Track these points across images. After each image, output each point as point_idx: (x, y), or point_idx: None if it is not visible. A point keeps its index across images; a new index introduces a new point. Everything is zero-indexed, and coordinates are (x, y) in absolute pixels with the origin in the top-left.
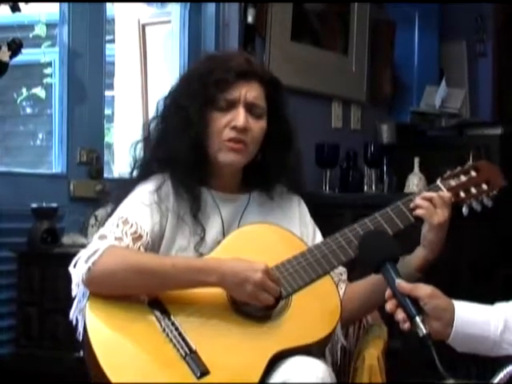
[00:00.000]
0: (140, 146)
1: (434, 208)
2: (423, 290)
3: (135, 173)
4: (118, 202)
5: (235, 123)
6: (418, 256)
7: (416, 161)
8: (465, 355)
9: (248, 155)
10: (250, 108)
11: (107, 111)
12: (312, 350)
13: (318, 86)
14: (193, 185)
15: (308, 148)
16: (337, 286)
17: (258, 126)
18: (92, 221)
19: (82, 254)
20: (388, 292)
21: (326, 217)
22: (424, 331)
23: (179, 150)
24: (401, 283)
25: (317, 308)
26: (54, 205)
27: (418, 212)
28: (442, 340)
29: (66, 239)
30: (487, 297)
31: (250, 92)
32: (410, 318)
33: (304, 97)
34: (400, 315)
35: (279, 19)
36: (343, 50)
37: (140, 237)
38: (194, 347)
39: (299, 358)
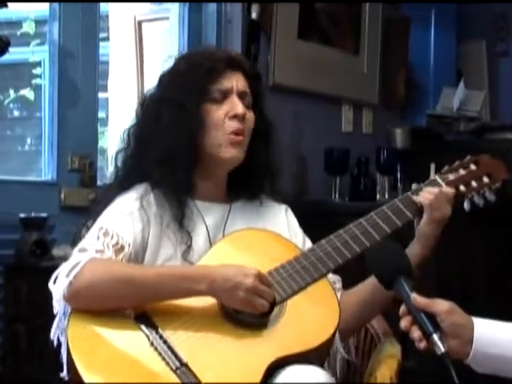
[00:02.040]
0: (121, 155)
1: (437, 203)
2: (440, 306)
3: (116, 184)
4: (98, 213)
5: (235, 111)
6: (413, 253)
7: (432, 167)
8: (485, 377)
9: (245, 148)
10: (242, 97)
11: (101, 114)
12: (311, 359)
13: (327, 87)
14: (182, 189)
15: (316, 153)
16: (334, 292)
17: (251, 116)
18: (84, 232)
19: (63, 269)
20: (402, 308)
21: (335, 227)
22: (442, 349)
23: (174, 146)
24: (416, 298)
25: (314, 312)
26: (44, 214)
27: (423, 201)
28: (461, 360)
29: (57, 251)
30: (504, 307)
31: (240, 81)
32: (426, 335)
33: (312, 99)
34: (416, 333)
35: (285, 15)
36: (354, 48)
37: (122, 248)
38: (184, 360)
39: (298, 366)
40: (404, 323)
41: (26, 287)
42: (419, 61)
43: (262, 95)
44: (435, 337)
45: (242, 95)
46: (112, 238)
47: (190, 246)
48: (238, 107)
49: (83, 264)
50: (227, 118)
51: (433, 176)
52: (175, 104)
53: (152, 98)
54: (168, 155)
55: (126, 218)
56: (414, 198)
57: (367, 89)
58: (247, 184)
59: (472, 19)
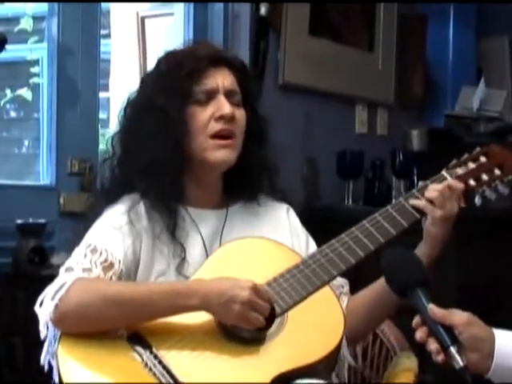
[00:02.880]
0: (106, 165)
1: (443, 200)
2: (458, 317)
3: (103, 195)
4: (85, 228)
5: (221, 112)
6: (422, 254)
7: None
8: None
9: (237, 149)
10: (229, 96)
11: (102, 115)
12: (318, 370)
13: (340, 86)
14: (171, 196)
15: (329, 156)
16: (338, 300)
17: (241, 115)
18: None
19: (48, 291)
20: (417, 319)
21: None
22: (460, 363)
23: (159, 155)
24: (433, 309)
25: (317, 323)
26: (42, 220)
27: (419, 204)
28: (481, 374)
29: (56, 259)
30: None
31: (226, 79)
32: (443, 348)
33: (324, 98)
34: (432, 345)
35: (296, 11)
36: (368, 45)
37: (111, 265)
38: (180, 379)
39: (304, 380)
40: (419, 334)
41: (24, 297)
42: (437, 58)
43: (252, 90)
44: (453, 350)
45: (229, 94)
46: (100, 254)
47: (184, 259)
48: (225, 107)
49: (69, 285)
50: (213, 120)
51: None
52: (157, 109)
53: (133, 102)
54: (153, 164)
55: (116, 233)
56: (419, 196)
57: (382, 88)
58: (243, 186)
59: (493, 14)
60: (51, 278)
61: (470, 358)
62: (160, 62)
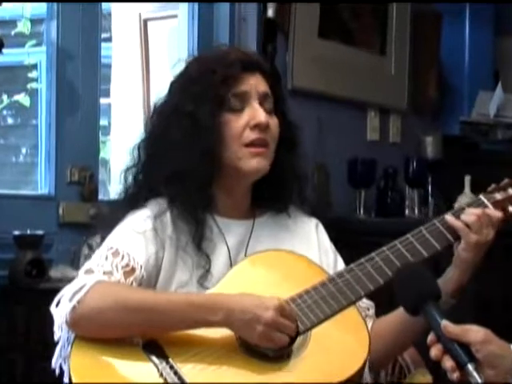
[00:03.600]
0: (131, 171)
1: (480, 226)
2: (474, 334)
3: (127, 200)
4: (107, 230)
5: (256, 121)
6: (450, 278)
7: (467, 179)
8: None
9: (270, 158)
10: (263, 102)
11: (103, 122)
12: None
13: (351, 91)
14: (199, 206)
15: (339, 164)
16: (364, 322)
17: (274, 122)
18: (85, 250)
19: (66, 292)
20: (431, 336)
21: (359, 246)
22: (479, 381)
23: (189, 163)
24: (447, 326)
25: (341, 343)
26: (40, 232)
27: (461, 223)
28: None
29: (55, 272)
30: None
31: (260, 84)
32: (459, 365)
33: (334, 104)
34: (448, 363)
35: (305, 12)
36: (380, 48)
37: (133, 270)
38: None
39: None
40: (434, 352)
41: (22, 311)
42: (452, 61)
43: (283, 97)
44: (470, 367)
45: (263, 99)
46: (122, 258)
47: (208, 271)
48: (260, 115)
49: (88, 287)
50: (248, 129)
51: (467, 190)
52: (188, 116)
53: (162, 109)
54: (182, 172)
55: (139, 237)
56: (454, 219)
57: (395, 92)
58: (273, 196)
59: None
60: (50, 291)
61: (488, 375)
62: (189, 66)
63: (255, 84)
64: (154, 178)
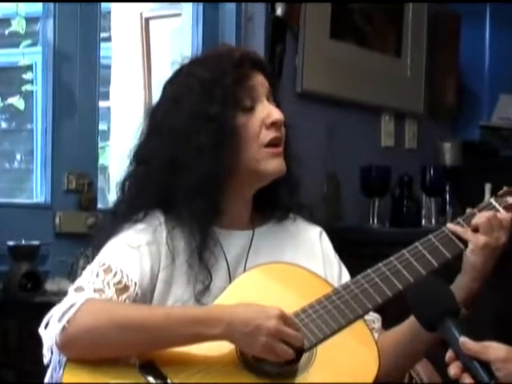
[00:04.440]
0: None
1: (490, 228)
2: (495, 352)
3: (121, 211)
4: (98, 244)
5: (273, 119)
6: (460, 286)
7: (487, 188)
8: None
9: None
10: (269, 99)
11: (102, 126)
12: None
13: (364, 94)
14: (208, 216)
15: (351, 172)
16: (373, 337)
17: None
18: (82, 262)
19: (55, 312)
20: (450, 353)
21: (373, 257)
22: None
23: (211, 169)
24: (466, 343)
25: (349, 359)
26: (36, 242)
27: (458, 231)
28: None
29: (51, 285)
30: None
31: (265, 83)
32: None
33: (346, 108)
34: (467, 380)
35: (316, 12)
36: (396, 50)
37: (126, 288)
38: None
39: None
40: (453, 370)
41: (15, 326)
42: (472, 63)
43: (279, 99)
44: None
45: (268, 97)
46: (115, 275)
47: (207, 287)
48: (275, 113)
49: (78, 306)
50: (264, 128)
51: (488, 199)
52: (207, 120)
53: (168, 114)
54: (203, 180)
55: (133, 253)
56: (464, 224)
57: (411, 96)
58: (275, 204)
59: None
60: (45, 305)
61: None
62: (194, 69)
63: (261, 82)
64: (163, 186)
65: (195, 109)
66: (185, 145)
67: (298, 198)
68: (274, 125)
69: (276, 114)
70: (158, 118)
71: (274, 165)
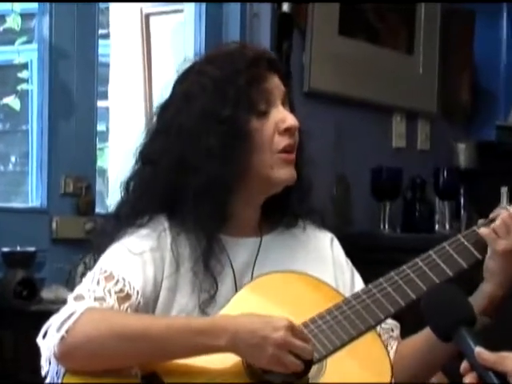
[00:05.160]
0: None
1: (506, 230)
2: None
3: (124, 215)
4: (100, 249)
5: (287, 125)
6: (482, 294)
7: (503, 191)
8: None
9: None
10: (284, 103)
11: (100, 127)
12: None
13: (375, 93)
14: (216, 222)
15: (361, 174)
16: (386, 346)
17: None
18: (81, 269)
19: (54, 321)
20: (465, 364)
21: (383, 263)
22: None
23: (222, 174)
24: (482, 353)
25: (360, 373)
26: (32, 248)
27: (484, 232)
28: None
29: (47, 293)
30: None
31: (280, 85)
32: None
33: (355, 107)
34: None
35: (324, 8)
36: (407, 47)
37: (128, 296)
38: None
39: None
40: (469, 381)
41: (11, 336)
42: (487, 61)
43: (292, 99)
44: None
45: (284, 100)
46: (116, 283)
47: (212, 296)
48: (289, 118)
49: (78, 315)
50: (277, 133)
51: (504, 202)
52: (219, 122)
53: (178, 112)
54: (212, 184)
55: (136, 259)
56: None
57: (423, 95)
58: (284, 210)
59: None
60: (41, 314)
61: None
62: (204, 67)
63: (276, 84)
64: (170, 187)
65: (207, 108)
66: (194, 145)
67: (308, 203)
68: (287, 131)
69: (291, 120)
70: (167, 117)
71: (285, 172)
